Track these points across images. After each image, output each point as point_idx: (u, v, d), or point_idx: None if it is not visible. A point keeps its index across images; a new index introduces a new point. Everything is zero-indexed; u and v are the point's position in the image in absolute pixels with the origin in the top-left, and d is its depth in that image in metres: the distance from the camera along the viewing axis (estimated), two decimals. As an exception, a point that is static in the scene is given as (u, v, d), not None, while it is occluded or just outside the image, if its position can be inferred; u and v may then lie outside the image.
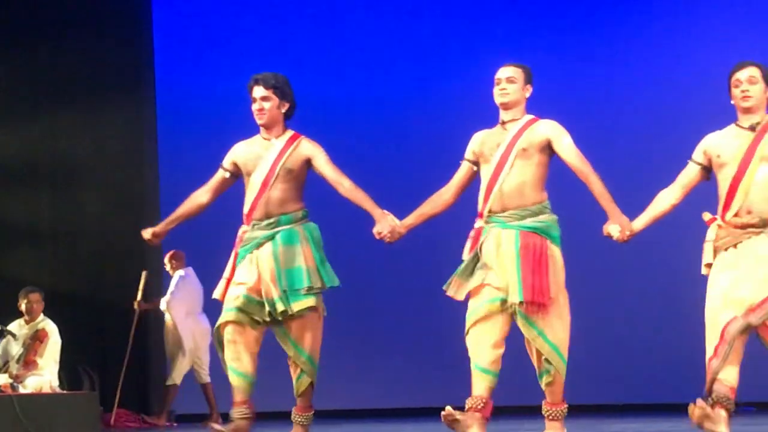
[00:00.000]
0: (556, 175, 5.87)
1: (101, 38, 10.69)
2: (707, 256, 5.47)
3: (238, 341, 5.90)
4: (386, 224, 5.83)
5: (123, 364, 9.79)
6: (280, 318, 5.89)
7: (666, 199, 5.64)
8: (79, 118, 10.51)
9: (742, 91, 5.45)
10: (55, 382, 8.85)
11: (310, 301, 5.89)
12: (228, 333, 5.90)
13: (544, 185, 5.78)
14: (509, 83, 5.80)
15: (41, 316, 8.99)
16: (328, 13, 11.35)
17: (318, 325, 5.96)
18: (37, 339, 8.87)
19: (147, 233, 6.21)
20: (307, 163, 6.00)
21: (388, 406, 10.68)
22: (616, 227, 5.57)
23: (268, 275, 5.89)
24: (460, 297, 5.75)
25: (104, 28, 10.75)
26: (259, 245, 5.95)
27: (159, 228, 6.22)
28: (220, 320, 5.93)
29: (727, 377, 5.27)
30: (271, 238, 5.94)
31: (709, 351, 5.31)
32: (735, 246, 5.39)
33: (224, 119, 9.03)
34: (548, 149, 5.75)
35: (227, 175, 6.12)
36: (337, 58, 11.25)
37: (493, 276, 5.65)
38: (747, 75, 5.46)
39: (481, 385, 5.64)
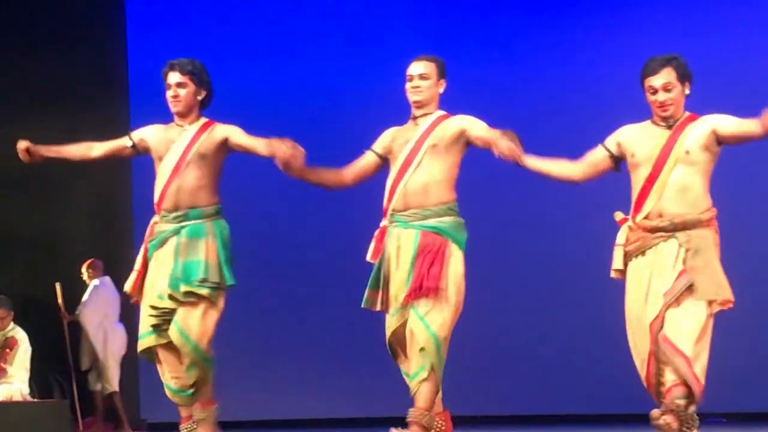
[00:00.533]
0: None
1: (74, 41, 10.60)
2: (617, 260, 5.23)
3: (166, 360, 5.67)
4: (282, 146, 5.47)
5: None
6: (171, 307, 5.58)
7: (567, 167, 5.44)
8: (53, 120, 10.42)
9: (661, 102, 5.19)
10: (26, 390, 8.77)
11: (202, 291, 5.56)
12: (153, 355, 5.70)
13: (452, 186, 5.54)
14: (422, 80, 5.57)
15: (11, 324, 8.92)
16: (299, 13, 11.27)
17: (210, 317, 5.58)
18: (6, 347, 8.80)
19: (22, 144, 5.81)
20: (223, 147, 5.69)
21: (323, 416, 10.45)
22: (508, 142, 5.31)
23: (165, 271, 5.61)
24: (377, 308, 5.57)
25: (77, 30, 10.66)
26: (164, 242, 5.66)
27: (35, 148, 5.79)
28: (140, 346, 5.70)
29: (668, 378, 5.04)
30: (177, 233, 5.65)
31: (641, 370, 5.13)
32: (644, 253, 5.16)
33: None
34: (461, 144, 5.53)
35: (128, 144, 5.83)
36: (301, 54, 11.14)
37: (392, 291, 5.47)
38: (661, 83, 5.17)
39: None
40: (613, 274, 5.27)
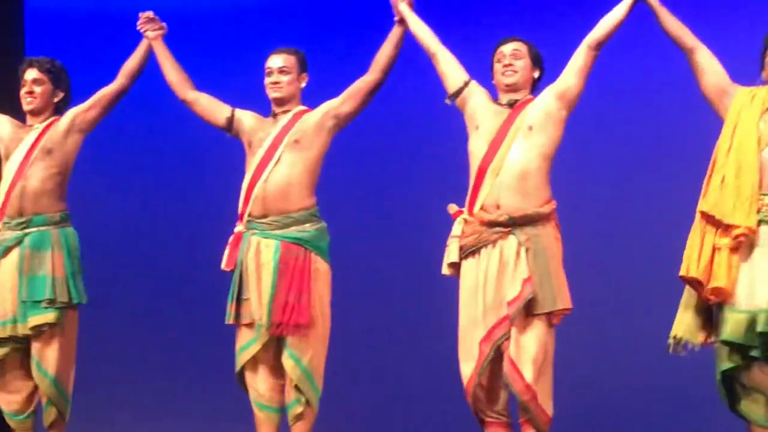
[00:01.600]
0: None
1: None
2: (452, 254, 4.82)
3: (5, 379, 5.36)
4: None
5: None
6: (20, 335, 5.25)
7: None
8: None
9: (504, 66, 4.90)
10: None
11: (49, 317, 5.21)
12: None
13: (313, 190, 5.14)
14: (282, 74, 5.19)
15: None
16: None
17: (65, 344, 5.28)
18: None
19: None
20: (72, 132, 5.40)
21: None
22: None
23: (9, 286, 5.27)
24: (232, 322, 5.13)
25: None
26: (7, 251, 5.29)
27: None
28: None
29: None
30: (20, 241, 5.29)
31: (468, 378, 4.75)
32: (479, 252, 4.76)
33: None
34: (326, 133, 5.15)
35: None
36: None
37: (254, 306, 5.04)
38: (511, 49, 4.90)
39: (265, 426, 5.11)
40: (445, 270, 4.86)
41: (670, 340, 4.51)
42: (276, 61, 5.19)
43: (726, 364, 4.41)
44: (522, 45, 4.95)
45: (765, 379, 4.40)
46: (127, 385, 7.87)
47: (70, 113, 5.42)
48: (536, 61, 4.96)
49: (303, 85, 5.23)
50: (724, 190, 4.44)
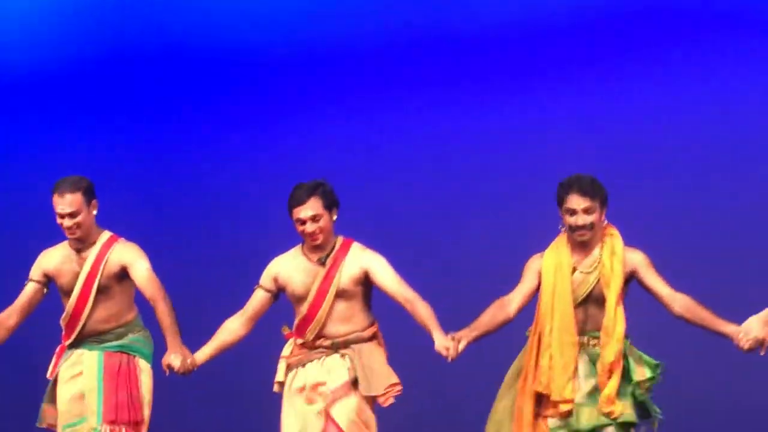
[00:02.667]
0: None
1: None
2: (280, 373, 5.50)
3: None
4: None
5: None
6: None
7: (233, 330, 5.57)
8: None
9: (307, 231, 5.39)
10: None
11: None
12: None
13: (133, 302, 5.72)
14: (73, 218, 5.53)
15: None
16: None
17: None
18: None
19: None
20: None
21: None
22: (177, 357, 5.48)
23: None
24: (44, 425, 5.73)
25: None
26: None
27: None
28: None
29: None
30: None
31: None
32: (304, 365, 5.45)
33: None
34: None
35: None
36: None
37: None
38: (308, 214, 5.36)
39: None
40: (275, 388, 5.52)
41: None
42: (64, 204, 5.53)
43: None
44: (316, 202, 5.34)
45: None
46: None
47: None
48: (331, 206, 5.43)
49: (95, 212, 5.63)
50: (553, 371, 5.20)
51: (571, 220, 5.14)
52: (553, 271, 5.22)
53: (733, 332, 5.11)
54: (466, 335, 5.21)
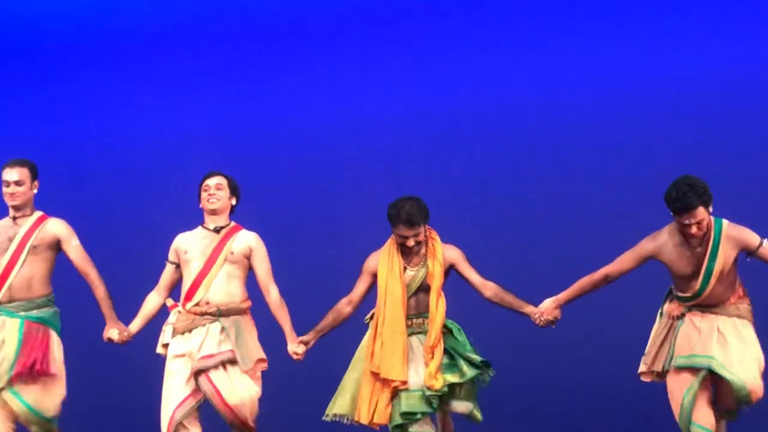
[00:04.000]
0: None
1: None
2: (166, 336, 6.35)
3: None
4: None
5: None
6: None
7: (153, 302, 6.45)
8: None
9: (209, 195, 6.39)
10: None
11: None
12: None
13: (50, 281, 6.47)
14: (18, 186, 6.40)
15: None
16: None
17: None
18: None
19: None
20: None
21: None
22: (115, 330, 6.38)
23: None
24: None
25: None
26: None
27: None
28: None
29: None
30: None
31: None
32: (190, 330, 6.29)
33: None
34: (58, 247, 6.46)
35: None
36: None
37: None
38: (215, 182, 6.40)
39: None
40: (159, 350, 6.37)
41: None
42: (10, 174, 6.42)
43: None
44: (222, 178, 6.42)
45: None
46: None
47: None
48: (234, 192, 6.45)
49: (35, 191, 6.47)
50: (383, 353, 6.16)
51: (403, 241, 6.20)
52: (385, 272, 6.23)
53: (531, 311, 6.24)
54: (313, 337, 6.40)
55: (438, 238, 6.30)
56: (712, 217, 5.89)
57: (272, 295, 6.37)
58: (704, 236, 5.89)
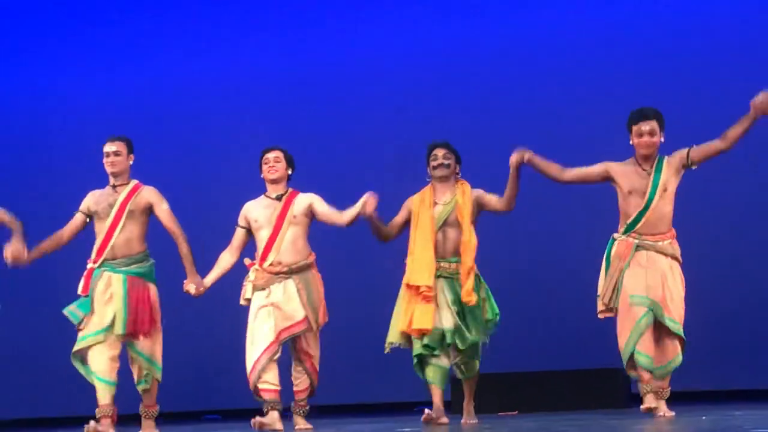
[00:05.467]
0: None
1: None
2: (248, 292, 7.17)
3: None
4: None
5: None
6: None
7: (227, 260, 7.31)
8: None
9: (269, 167, 7.25)
10: None
11: None
12: None
13: (145, 239, 7.27)
14: (116, 156, 7.24)
15: None
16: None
17: None
18: None
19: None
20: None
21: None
22: (193, 283, 7.19)
23: None
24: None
25: None
26: None
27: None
28: None
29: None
30: None
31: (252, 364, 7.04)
32: (268, 287, 7.11)
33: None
34: (150, 210, 7.24)
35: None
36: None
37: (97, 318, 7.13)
38: (273, 155, 7.29)
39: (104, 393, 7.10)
40: (242, 302, 7.19)
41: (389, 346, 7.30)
42: (110, 147, 7.29)
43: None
44: (279, 152, 7.31)
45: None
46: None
47: None
48: (290, 163, 7.32)
49: (131, 163, 7.33)
50: (414, 264, 7.19)
51: (435, 160, 7.34)
52: (418, 203, 7.33)
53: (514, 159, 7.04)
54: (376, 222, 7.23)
55: (468, 184, 7.36)
56: (661, 141, 6.80)
57: (336, 215, 7.19)
58: (652, 162, 6.80)
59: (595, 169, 6.95)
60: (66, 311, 7.13)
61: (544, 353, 7.98)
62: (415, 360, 7.19)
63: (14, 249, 6.98)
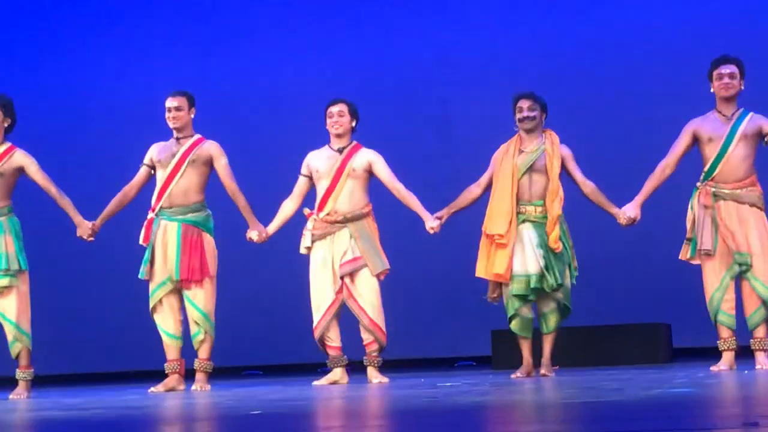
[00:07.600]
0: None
1: None
2: (306, 240, 7.34)
3: None
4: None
5: None
6: None
7: (289, 207, 7.49)
8: None
9: (333, 121, 7.36)
10: None
11: (4, 281, 7.12)
12: None
13: (203, 190, 7.37)
14: (178, 111, 7.33)
15: None
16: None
17: (20, 299, 7.16)
18: None
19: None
20: (20, 171, 7.24)
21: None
22: (255, 231, 7.39)
23: None
24: (147, 278, 7.32)
25: None
26: None
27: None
28: None
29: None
30: None
31: (318, 321, 7.31)
32: (325, 237, 7.29)
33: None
34: (211, 164, 7.34)
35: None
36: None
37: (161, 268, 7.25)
38: (337, 109, 7.38)
39: (171, 349, 7.26)
40: (302, 250, 7.35)
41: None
42: (173, 101, 7.36)
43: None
44: (343, 105, 7.39)
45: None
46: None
47: (23, 163, 7.27)
48: (354, 115, 7.42)
49: (192, 116, 7.41)
50: (492, 212, 7.23)
51: (521, 112, 7.26)
52: (501, 155, 7.34)
53: (616, 212, 7.17)
54: (446, 213, 7.36)
55: (556, 135, 7.36)
56: (741, 89, 6.88)
57: (400, 190, 7.36)
58: (733, 110, 6.85)
59: (683, 140, 6.99)
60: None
61: (586, 308, 8.07)
62: (510, 320, 7.24)
63: (81, 230, 7.25)
